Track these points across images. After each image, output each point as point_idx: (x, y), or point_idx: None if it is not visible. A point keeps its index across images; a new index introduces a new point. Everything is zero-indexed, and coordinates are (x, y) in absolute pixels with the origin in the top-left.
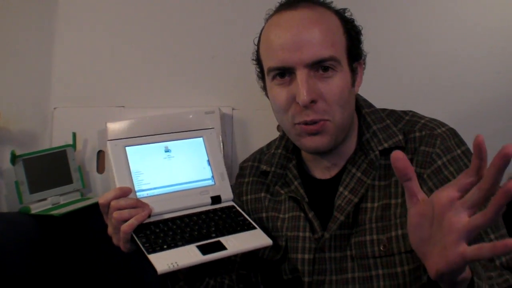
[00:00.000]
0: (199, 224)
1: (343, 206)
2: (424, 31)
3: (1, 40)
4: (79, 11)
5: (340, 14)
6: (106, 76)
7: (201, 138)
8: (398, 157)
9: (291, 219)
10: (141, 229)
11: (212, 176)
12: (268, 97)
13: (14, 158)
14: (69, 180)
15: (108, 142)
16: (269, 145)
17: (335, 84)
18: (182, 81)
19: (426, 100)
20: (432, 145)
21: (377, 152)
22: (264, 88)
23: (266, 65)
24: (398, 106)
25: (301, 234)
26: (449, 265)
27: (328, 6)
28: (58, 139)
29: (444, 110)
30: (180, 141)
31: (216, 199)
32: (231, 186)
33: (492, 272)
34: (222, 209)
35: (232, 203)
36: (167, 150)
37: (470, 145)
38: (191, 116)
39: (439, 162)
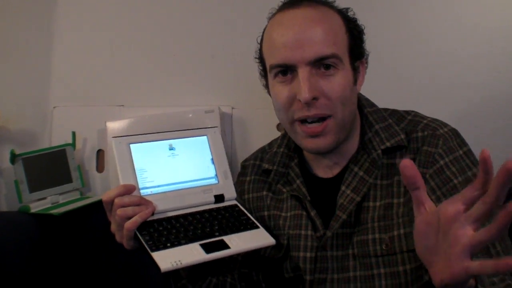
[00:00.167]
0: (202, 222)
1: (345, 205)
2: (424, 31)
3: (0, 39)
4: (78, 11)
5: (343, 13)
6: (105, 75)
7: (205, 137)
8: (406, 165)
9: (293, 218)
10: (145, 226)
11: (216, 175)
12: (270, 95)
13: (13, 157)
14: (68, 179)
15: (112, 139)
16: (271, 144)
17: (336, 81)
18: (182, 80)
19: (426, 99)
20: (434, 145)
21: (379, 151)
22: (267, 86)
23: (268, 62)
24: (398, 106)
25: (303, 232)
26: (453, 277)
27: (330, 5)
28: (57, 138)
29: (444, 110)
30: (184, 139)
31: (219, 198)
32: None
33: (495, 278)
34: (225, 208)
35: (235, 202)
36: (171, 148)
37: (470, 144)
38: (190, 115)
39: (442, 162)
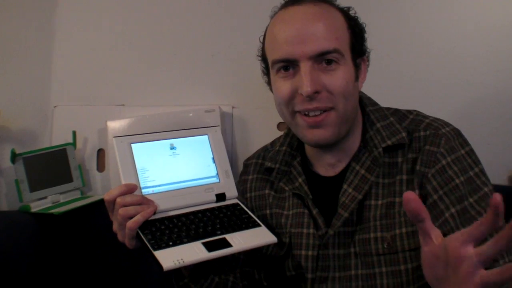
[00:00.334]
0: (204, 221)
1: (347, 203)
2: (424, 31)
3: (1, 38)
4: (79, 10)
5: (344, 11)
6: (106, 74)
7: (206, 136)
8: (410, 198)
9: (295, 216)
10: (147, 226)
11: (217, 174)
12: (272, 91)
13: (14, 157)
14: (69, 179)
15: (114, 138)
16: (273, 143)
17: (338, 76)
18: (182, 79)
19: (426, 98)
20: (436, 145)
21: (380, 149)
22: (269, 83)
23: (271, 58)
24: (398, 105)
25: (305, 230)
26: None
27: (331, 3)
28: (58, 137)
29: (444, 109)
30: (186, 139)
31: (220, 197)
32: (235, 183)
33: None
34: (226, 206)
35: (236, 201)
36: (172, 148)
37: (471, 144)
38: (191, 114)
39: (444, 162)
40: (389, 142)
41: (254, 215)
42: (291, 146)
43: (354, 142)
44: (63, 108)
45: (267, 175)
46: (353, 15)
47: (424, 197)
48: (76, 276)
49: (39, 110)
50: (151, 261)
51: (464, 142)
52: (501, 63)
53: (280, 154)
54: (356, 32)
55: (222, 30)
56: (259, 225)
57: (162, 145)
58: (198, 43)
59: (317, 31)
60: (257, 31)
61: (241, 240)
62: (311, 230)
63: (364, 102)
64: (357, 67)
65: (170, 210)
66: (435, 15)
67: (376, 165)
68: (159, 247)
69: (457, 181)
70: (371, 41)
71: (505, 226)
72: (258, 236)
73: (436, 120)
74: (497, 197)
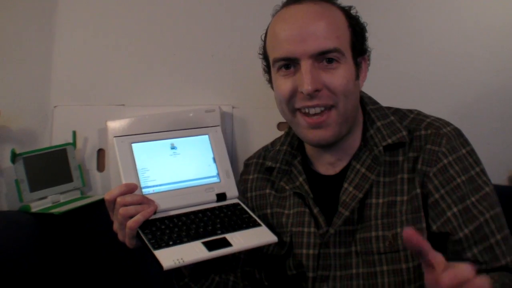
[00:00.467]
0: (204, 221)
1: (347, 202)
2: (424, 31)
3: (1, 38)
4: (79, 10)
5: (345, 10)
6: (106, 74)
7: (207, 136)
8: (409, 234)
9: (296, 215)
10: (147, 225)
11: (218, 174)
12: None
13: (14, 157)
14: (69, 179)
15: (114, 138)
16: (273, 143)
17: (339, 74)
18: (182, 79)
19: (426, 98)
20: (438, 144)
21: (381, 148)
22: (270, 81)
23: (272, 56)
24: (398, 104)
25: (306, 229)
26: None
27: (333, 2)
28: (58, 137)
29: (443, 109)
30: (186, 139)
31: (221, 196)
32: (235, 183)
33: None
34: (227, 206)
35: (237, 201)
36: (173, 147)
37: (472, 144)
38: (191, 114)
39: (445, 161)
40: (389, 141)
41: (255, 214)
42: (291, 145)
43: (355, 141)
44: (63, 108)
45: (268, 174)
46: (354, 14)
47: (425, 196)
48: (76, 276)
49: (39, 110)
50: (151, 261)
51: (465, 142)
52: (501, 63)
53: (280, 153)
54: (357, 31)
55: (222, 30)
56: (259, 225)
57: (162, 145)
58: (198, 43)
59: (318, 30)
60: (257, 31)
61: (242, 240)
62: (312, 229)
63: (365, 101)
64: (357, 66)
65: (171, 210)
66: (435, 15)
67: (376, 164)
68: (159, 247)
69: (458, 180)
70: (372, 41)
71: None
72: (259, 236)
73: (437, 119)
74: (407, 233)
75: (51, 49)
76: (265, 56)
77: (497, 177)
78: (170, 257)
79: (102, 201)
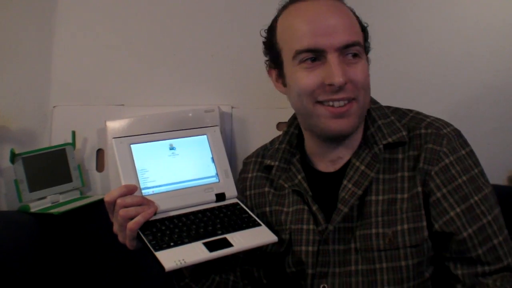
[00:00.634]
0: (204, 221)
1: (346, 199)
2: (424, 31)
3: (0, 38)
4: (78, 10)
5: (351, 9)
6: (105, 74)
7: (205, 136)
8: None
9: (295, 213)
10: (147, 226)
11: (216, 174)
12: (278, 86)
13: (13, 157)
14: (68, 179)
15: (113, 139)
16: (272, 142)
17: (361, 69)
18: (182, 79)
19: (425, 98)
20: (439, 144)
21: (381, 146)
22: (281, 75)
23: (293, 48)
24: (397, 104)
25: (305, 226)
26: None
27: (341, 1)
28: (57, 137)
29: (443, 109)
30: (185, 139)
31: (220, 197)
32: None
33: None
34: (226, 206)
35: (236, 200)
36: (171, 148)
37: (470, 144)
38: (190, 114)
39: (446, 161)
40: (390, 140)
41: (254, 213)
42: (290, 144)
43: (357, 138)
44: (62, 108)
45: (267, 173)
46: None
47: (426, 194)
48: (76, 276)
49: (38, 110)
50: (151, 262)
51: (464, 143)
52: (501, 63)
53: (279, 152)
54: (363, 28)
55: (221, 30)
56: (259, 225)
57: (161, 146)
58: (198, 43)
59: (343, 23)
60: (257, 32)
61: (242, 240)
62: (311, 226)
63: None
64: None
65: (170, 211)
66: (435, 15)
67: (376, 161)
68: (160, 248)
69: (459, 180)
70: (372, 41)
71: None
72: (259, 236)
73: (437, 120)
74: None
75: (51, 49)
76: (272, 49)
77: (496, 177)
78: (171, 258)
79: (101, 201)
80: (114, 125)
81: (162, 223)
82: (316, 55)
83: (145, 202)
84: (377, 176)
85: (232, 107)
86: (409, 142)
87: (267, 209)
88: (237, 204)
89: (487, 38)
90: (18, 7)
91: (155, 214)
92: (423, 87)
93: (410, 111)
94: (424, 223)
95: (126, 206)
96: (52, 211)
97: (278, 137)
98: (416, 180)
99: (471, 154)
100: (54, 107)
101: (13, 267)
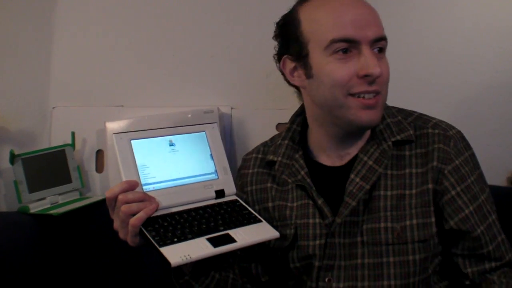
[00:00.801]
0: (205, 217)
1: (354, 192)
2: (424, 31)
3: (0, 39)
4: (78, 11)
5: None
6: (105, 75)
7: (204, 133)
8: None
9: (300, 207)
10: (149, 223)
11: (216, 170)
12: (293, 79)
13: (13, 158)
14: (68, 180)
15: (114, 135)
16: (273, 139)
17: (386, 63)
18: (181, 80)
19: (425, 99)
20: (447, 145)
21: (390, 143)
22: (305, 66)
23: (327, 38)
24: (397, 105)
25: (311, 221)
26: None
27: None
28: (57, 138)
29: (443, 109)
30: (184, 136)
31: (220, 193)
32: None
33: None
34: (226, 203)
35: (235, 197)
36: (171, 144)
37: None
38: (190, 115)
39: (457, 162)
40: (398, 137)
41: (255, 208)
42: (293, 140)
43: (365, 134)
44: (62, 109)
45: (268, 169)
46: None
47: (439, 192)
48: (75, 277)
49: (38, 111)
50: (150, 261)
51: (467, 146)
52: (501, 63)
53: (282, 147)
54: None
55: (221, 31)
56: (260, 221)
57: (161, 142)
58: (197, 44)
59: (374, 17)
60: (257, 32)
61: (245, 236)
62: (317, 220)
63: None
64: None
65: (171, 207)
66: (435, 16)
67: (384, 157)
68: (165, 244)
69: (469, 180)
70: None
71: None
72: (261, 232)
73: (442, 122)
74: None
75: (50, 50)
76: (295, 41)
77: (496, 178)
78: (177, 253)
79: (101, 202)
80: (114, 126)
81: (164, 219)
82: (349, 46)
83: (146, 198)
84: (385, 172)
85: (231, 108)
86: (416, 140)
87: (270, 204)
88: (236, 201)
89: (487, 38)
90: (17, 7)
91: (156, 210)
92: (423, 87)
93: (414, 111)
94: (433, 219)
95: (128, 202)
96: (51, 212)
97: (279, 134)
98: (427, 177)
99: (473, 156)
100: (53, 108)
101: (12, 268)
